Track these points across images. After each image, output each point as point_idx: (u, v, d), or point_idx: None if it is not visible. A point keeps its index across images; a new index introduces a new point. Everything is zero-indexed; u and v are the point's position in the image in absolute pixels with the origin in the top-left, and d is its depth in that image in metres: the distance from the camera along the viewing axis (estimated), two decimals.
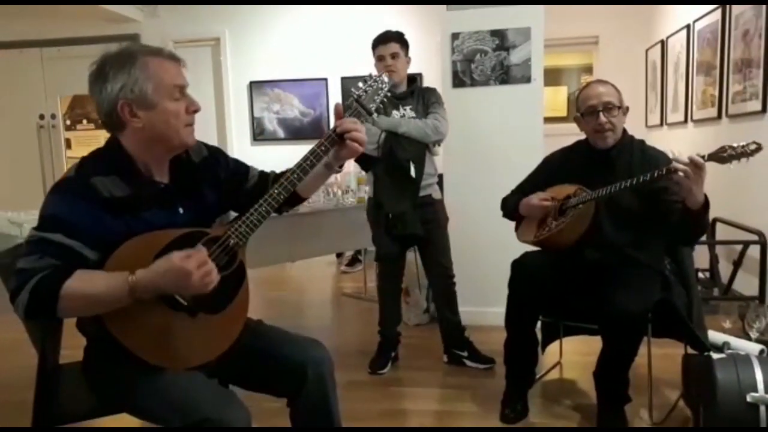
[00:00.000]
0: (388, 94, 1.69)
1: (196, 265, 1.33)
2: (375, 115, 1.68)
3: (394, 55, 2.86)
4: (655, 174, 2.08)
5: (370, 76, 1.65)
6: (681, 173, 1.97)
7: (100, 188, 1.42)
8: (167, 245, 1.43)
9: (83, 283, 1.34)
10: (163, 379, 1.46)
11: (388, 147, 2.80)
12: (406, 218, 2.83)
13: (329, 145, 1.57)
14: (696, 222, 2.11)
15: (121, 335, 1.41)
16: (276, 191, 1.54)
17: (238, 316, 1.58)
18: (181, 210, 1.55)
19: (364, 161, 2.85)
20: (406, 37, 2.95)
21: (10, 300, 1.34)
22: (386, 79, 1.65)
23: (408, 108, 2.90)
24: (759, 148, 1.92)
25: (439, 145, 3.00)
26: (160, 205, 1.51)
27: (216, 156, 1.69)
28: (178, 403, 1.42)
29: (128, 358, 1.43)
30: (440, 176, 3.69)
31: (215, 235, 1.50)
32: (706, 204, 2.05)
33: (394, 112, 2.88)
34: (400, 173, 2.82)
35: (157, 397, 1.45)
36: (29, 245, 1.38)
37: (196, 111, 1.52)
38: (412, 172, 2.81)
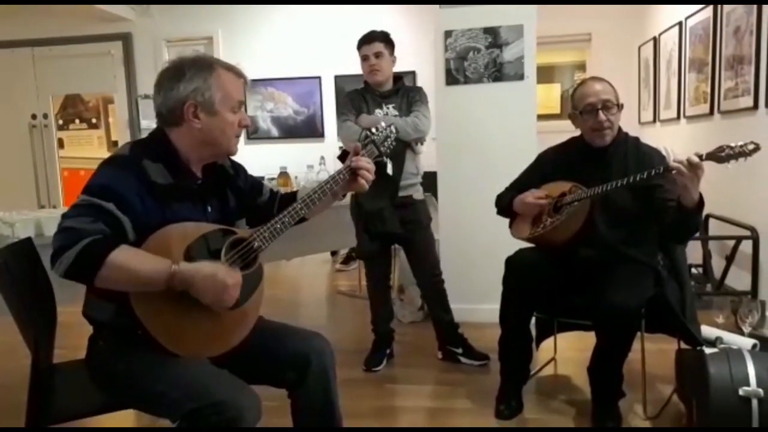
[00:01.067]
0: (394, 143, 1.89)
1: (235, 284, 1.46)
2: (384, 158, 1.88)
3: (377, 54, 2.86)
4: (653, 172, 2.09)
5: (381, 125, 1.86)
6: (678, 172, 1.99)
7: (150, 171, 1.50)
8: (199, 238, 1.51)
9: (129, 257, 1.39)
10: (173, 365, 1.48)
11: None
12: (384, 216, 2.83)
13: (344, 180, 1.75)
14: (689, 220, 2.12)
15: (143, 313, 1.44)
16: (299, 206, 1.67)
17: (251, 314, 1.64)
18: (209, 208, 1.64)
19: (344, 160, 2.85)
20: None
21: (53, 256, 1.36)
22: (394, 130, 1.88)
23: (391, 106, 2.91)
24: (757, 148, 1.93)
25: (422, 143, 2.99)
26: (193, 199, 1.60)
27: (237, 168, 1.81)
28: (192, 387, 1.44)
29: (137, 343, 1.46)
30: (433, 175, 3.72)
31: (242, 236, 1.59)
32: (700, 203, 2.06)
33: (377, 110, 2.89)
34: (377, 171, 2.81)
35: (170, 381, 1.46)
36: (79, 207, 1.42)
37: (246, 126, 1.67)
38: (389, 170, 2.81)
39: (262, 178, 4.57)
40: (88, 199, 1.42)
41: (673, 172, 2.00)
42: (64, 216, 1.42)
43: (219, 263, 1.48)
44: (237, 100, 1.59)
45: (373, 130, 1.83)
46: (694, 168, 1.97)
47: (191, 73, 1.54)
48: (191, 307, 1.47)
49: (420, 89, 3.04)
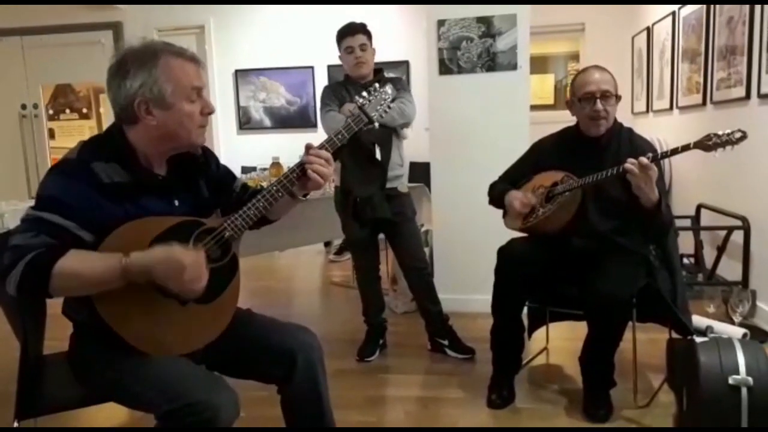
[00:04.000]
0: (391, 104, 1.77)
1: (192, 263, 1.37)
2: (375, 124, 1.74)
3: (362, 47, 2.85)
4: (608, 173, 2.14)
5: (375, 88, 1.73)
6: (629, 172, 2.04)
7: (100, 173, 1.44)
8: (164, 231, 1.45)
9: (76, 261, 1.35)
10: (149, 364, 1.46)
11: (352, 132, 2.78)
12: (375, 202, 2.82)
13: (293, 179, 1.59)
14: (653, 221, 2.16)
15: (109, 317, 1.42)
16: (275, 188, 1.58)
17: (227, 308, 1.59)
18: (176, 202, 1.57)
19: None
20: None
21: (2, 275, 1.35)
22: (389, 91, 1.74)
23: None
24: (744, 136, 1.94)
25: (405, 128, 2.97)
26: (157, 195, 1.53)
27: (208, 157, 1.72)
28: (165, 388, 1.41)
29: (115, 343, 1.44)
30: (426, 165, 3.71)
31: (211, 226, 1.53)
32: (659, 204, 2.08)
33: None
34: (365, 157, 2.80)
35: (143, 383, 1.44)
36: (25, 223, 1.40)
37: (210, 113, 1.55)
38: (378, 155, 2.80)
39: (254, 168, 4.56)
40: (32, 213, 1.40)
41: (627, 168, 2.04)
42: (11, 233, 1.40)
43: (174, 245, 1.39)
44: (191, 88, 1.48)
45: (365, 93, 1.71)
46: (644, 169, 2.01)
47: (134, 68, 1.44)
48: (160, 305, 1.44)
49: (400, 78, 3.05)
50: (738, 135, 1.94)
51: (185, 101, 1.48)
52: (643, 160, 2.01)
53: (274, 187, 1.59)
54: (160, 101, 1.45)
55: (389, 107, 1.75)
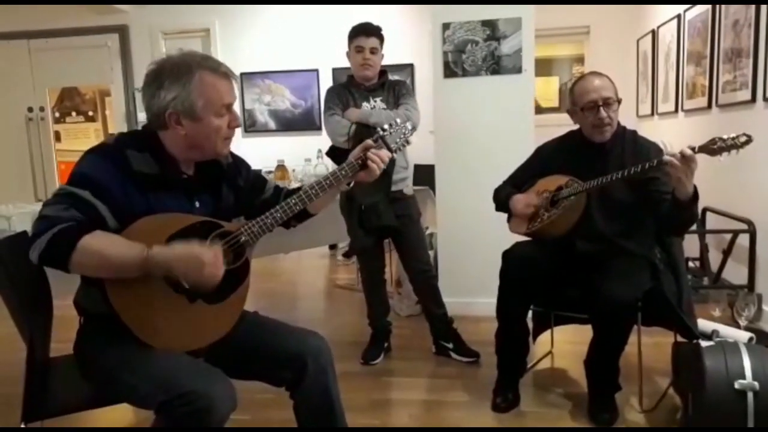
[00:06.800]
0: (408, 140, 1.84)
1: (211, 259, 1.42)
2: (393, 155, 1.82)
3: (373, 50, 2.84)
4: (647, 166, 2.09)
5: (396, 122, 1.81)
6: (671, 165, 1.99)
7: (132, 161, 1.50)
8: (183, 229, 1.50)
9: (101, 241, 1.39)
10: (148, 358, 1.47)
11: (358, 138, 2.77)
12: (380, 209, 2.81)
13: (353, 171, 1.70)
14: (685, 213, 2.12)
15: (118, 304, 1.45)
16: (293, 201, 1.64)
17: (233, 311, 1.62)
18: (197, 204, 1.62)
19: (335, 154, 2.83)
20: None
21: (29, 243, 1.39)
22: (410, 127, 1.83)
23: (378, 99, 2.89)
24: (749, 140, 1.93)
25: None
26: (179, 193, 1.58)
27: (238, 165, 1.78)
28: (160, 379, 1.42)
29: (119, 335, 1.46)
30: (430, 168, 3.72)
31: (228, 229, 1.57)
32: (695, 195, 2.06)
33: (365, 104, 2.87)
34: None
35: (140, 375, 1.45)
36: (57, 196, 1.44)
37: (237, 126, 1.61)
38: None
39: (260, 171, 4.57)
40: (65, 188, 1.45)
41: (667, 165, 2.00)
42: (43, 204, 1.44)
43: (194, 242, 1.44)
44: (222, 104, 1.55)
45: (386, 126, 1.79)
46: (687, 161, 1.97)
47: (169, 81, 1.50)
48: (169, 299, 1.47)
49: (405, 82, 3.04)
50: (743, 139, 1.93)
51: (215, 116, 1.54)
52: (687, 152, 1.97)
53: (313, 190, 1.65)
54: (190, 114, 1.51)
55: (406, 143, 1.84)
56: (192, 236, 1.48)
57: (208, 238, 1.52)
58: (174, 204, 1.55)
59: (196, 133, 1.53)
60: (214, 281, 1.45)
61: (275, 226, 1.62)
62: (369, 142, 1.74)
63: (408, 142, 1.84)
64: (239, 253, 1.58)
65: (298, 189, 1.71)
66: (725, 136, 1.96)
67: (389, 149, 1.77)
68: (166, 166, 1.55)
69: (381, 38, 2.89)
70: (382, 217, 2.82)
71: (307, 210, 1.73)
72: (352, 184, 1.76)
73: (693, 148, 1.98)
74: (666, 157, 2.00)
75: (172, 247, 1.43)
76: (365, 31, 2.85)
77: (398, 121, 1.82)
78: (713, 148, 1.97)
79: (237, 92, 1.62)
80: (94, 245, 1.37)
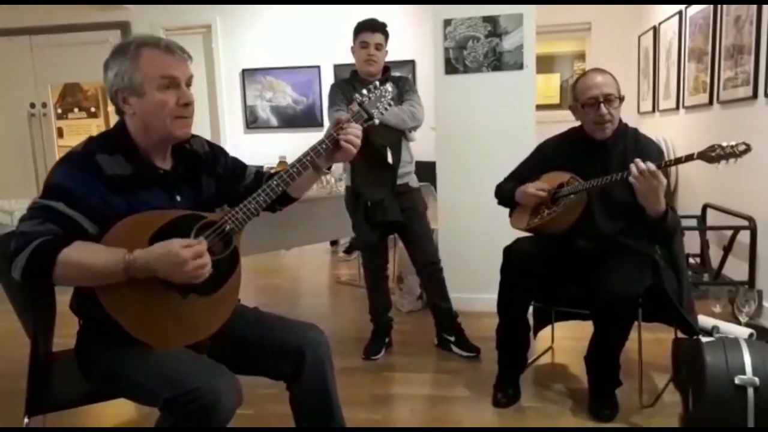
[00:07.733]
0: (391, 102, 1.77)
1: (192, 256, 1.39)
2: (375, 120, 1.74)
3: (378, 46, 2.84)
4: (611, 179, 2.12)
5: (375, 86, 1.73)
6: (634, 177, 2.00)
7: (104, 165, 1.48)
8: (164, 225, 1.47)
9: (81, 252, 1.38)
10: (151, 356, 1.47)
11: (363, 134, 2.78)
12: (385, 205, 2.82)
13: (330, 143, 1.63)
14: (655, 228, 2.13)
15: (112, 308, 1.44)
16: (275, 182, 1.60)
17: (228, 301, 1.60)
18: (178, 198, 1.60)
19: None
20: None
21: (9, 261, 1.38)
22: (390, 89, 1.74)
23: None
24: (748, 149, 1.93)
25: (415, 130, 2.99)
26: (158, 189, 1.56)
27: (216, 152, 1.75)
28: (165, 376, 1.43)
29: (119, 338, 1.45)
30: (432, 164, 3.72)
31: (212, 219, 1.54)
32: (666, 214, 2.07)
33: None
34: (376, 160, 2.80)
35: (144, 373, 1.46)
36: (31, 211, 1.43)
37: (186, 104, 1.53)
38: (389, 158, 2.80)
39: (262, 167, 4.57)
40: (39, 201, 1.43)
41: (630, 179, 2.01)
42: (20, 220, 1.43)
43: (174, 240, 1.41)
44: (162, 76, 1.49)
45: (364, 91, 1.71)
46: (644, 177, 1.97)
47: (113, 59, 1.50)
48: (161, 297, 1.46)
49: (408, 79, 3.05)
50: (742, 148, 1.93)
51: (156, 90, 1.49)
52: (649, 165, 1.98)
53: (294, 168, 1.62)
54: (133, 89, 1.49)
55: (390, 104, 1.75)
56: (174, 232, 1.45)
57: (192, 230, 1.49)
58: (154, 201, 1.53)
59: (143, 112, 1.50)
60: (200, 275, 1.42)
61: (260, 210, 1.58)
62: (342, 116, 1.70)
63: (391, 104, 1.75)
64: (227, 242, 1.55)
65: (278, 172, 1.68)
66: (725, 144, 1.96)
67: (370, 116, 1.70)
68: (140, 165, 1.53)
69: (386, 35, 2.89)
70: (387, 212, 2.83)
71: (289, 194, 1.72)
72: (331, 168, 1.74)
73: (692, 155, 1.98)
74: (632, 170, 2.02)
75: (152, 249, 1.40)
76: (370, 27, 2.85)
77: (377, 83, 1.75)
78: (711, 155, 1.97)
79: (192, 71, 1.56)
80: (73, 257, 1.36)
